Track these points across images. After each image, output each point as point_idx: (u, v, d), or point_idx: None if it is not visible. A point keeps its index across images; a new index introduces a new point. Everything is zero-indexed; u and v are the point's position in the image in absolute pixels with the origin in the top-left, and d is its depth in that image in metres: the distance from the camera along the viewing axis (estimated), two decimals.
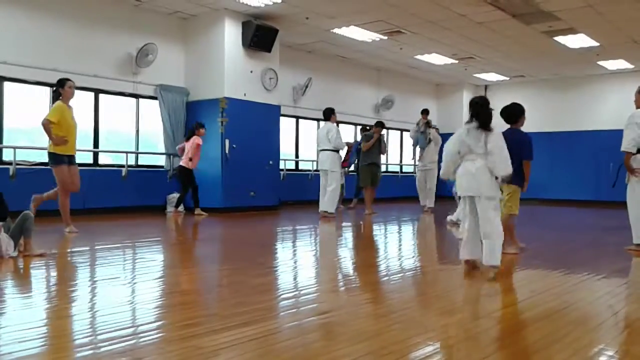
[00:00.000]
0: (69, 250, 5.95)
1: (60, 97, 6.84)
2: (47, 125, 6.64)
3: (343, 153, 11.19)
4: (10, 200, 8.48)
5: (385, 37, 11.84)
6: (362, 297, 3.89)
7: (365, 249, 6.84)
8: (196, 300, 3.77)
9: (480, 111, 4.76)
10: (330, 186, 9.65)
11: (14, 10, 8.65)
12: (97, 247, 6.11)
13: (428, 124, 11.64)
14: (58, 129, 6.70)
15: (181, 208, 10.13)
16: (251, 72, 10.79)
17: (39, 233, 6.45)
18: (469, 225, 4.70)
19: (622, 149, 5.98)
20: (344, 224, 9.26)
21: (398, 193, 15.93)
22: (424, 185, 11.64)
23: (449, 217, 8.85)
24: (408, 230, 9.03)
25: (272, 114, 11.29)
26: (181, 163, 9.82)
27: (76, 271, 4.85)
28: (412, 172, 17.22)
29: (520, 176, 5.39)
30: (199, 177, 10.13)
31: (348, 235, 8.07)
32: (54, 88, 7.06)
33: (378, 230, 8.62)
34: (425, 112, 12.03)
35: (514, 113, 5.89)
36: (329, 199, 9.65)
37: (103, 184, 9.68)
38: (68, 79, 6.92)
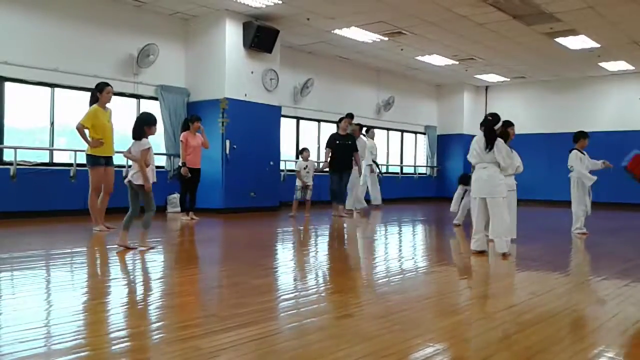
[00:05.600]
0: (68, 250, 5.95)
1: (97, 101, 7.14)
2: (80, 129, 6.95)
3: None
4: (11, 200, 8.50)
5: (386, 38, 11.84)
6: (362, 298, 3.89)
7: (364, 249, 6.84)
8: (196, 301, 3.77)
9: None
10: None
11: (15, 11, 8.66)
12: (97, 247, 6.11)
13: (353, 132, 10.94)
14: (93, 132, 6.98)
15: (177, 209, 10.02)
16: (252, 72, 10.80)
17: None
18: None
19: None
20: (337, 225, 9.25)
21: (398, 194, 15.95)
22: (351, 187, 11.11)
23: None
24: (408, 231, 9.03)
25: (272, 114, 11.30)
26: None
27: (76, 271, 4.85)
28: (412, 173, 17.27)
29: None
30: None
31: (346, 236, 8.07)
32: (93, 92, 7.29)
33: (375, 232, 8.61)
34: (349, 116, 11.26)
35: None
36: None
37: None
38: (107, 84, 7.26)
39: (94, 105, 7.11)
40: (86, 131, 6.98)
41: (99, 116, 7.05)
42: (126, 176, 5.73)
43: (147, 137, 5.61)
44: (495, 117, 5.80)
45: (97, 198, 7.20)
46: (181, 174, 8.98)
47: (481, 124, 5.88)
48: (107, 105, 7.28)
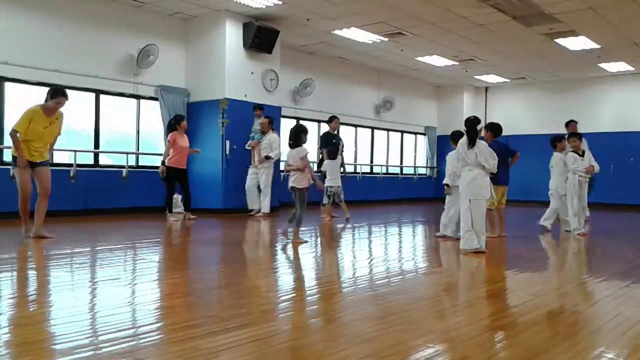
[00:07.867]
0: (68, 250, 5.95)
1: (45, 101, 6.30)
2: (13, 135, 6.24)
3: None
4: (11, 200, 8.49)
5: (386, 39, 11.84)
6: (362, 299, 3.88)
7: (364, 250, 6.83)
8: (195, 302, 3.77)
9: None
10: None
11: (15, 11, 8.66)
12: (97, 248, 6.11)
13: (263, 126, 10.32)
14: (23, 135, 6.24)
15: (181, 209, 9.98)
16: (252, 73, 10.80)
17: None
18: None
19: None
20: (341, 225, 9.26)
21: (398, 195, 15.95)
22: (255, 186, 10.42)
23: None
24: (407, 232, 9.02)
25: (272, 115, 11.26)
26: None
27: (77, 272, 4.84)
28: (411, 174, 17.26)
29: None
30: (199, 177, 10.10)
31: (344, 236, 8.07)
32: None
33: (375, 233, 8.61)
34: (258, 108, 10.62)
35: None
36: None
37: (104, 185, 9.68)
38: (62, 96, 6.24)
39: (34, 108, 6.22)
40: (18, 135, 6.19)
41: (35, 120, 6.18)
42: None
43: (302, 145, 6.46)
44: (477, 118, 6.23)
45: (24, 202, 6.38)
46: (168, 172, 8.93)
47: (464, 125, 6.19)
48: (61, 110, 6.37)
